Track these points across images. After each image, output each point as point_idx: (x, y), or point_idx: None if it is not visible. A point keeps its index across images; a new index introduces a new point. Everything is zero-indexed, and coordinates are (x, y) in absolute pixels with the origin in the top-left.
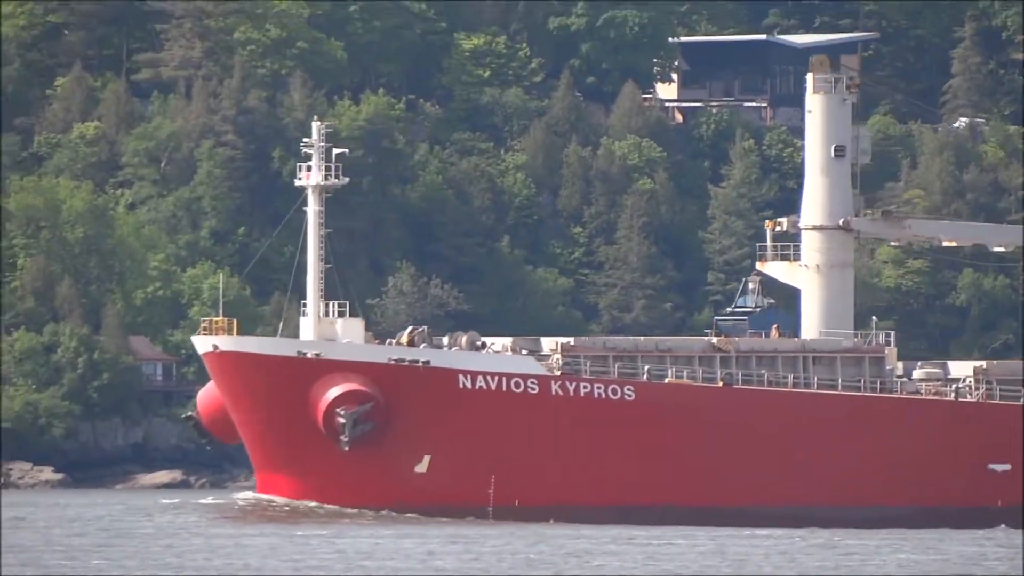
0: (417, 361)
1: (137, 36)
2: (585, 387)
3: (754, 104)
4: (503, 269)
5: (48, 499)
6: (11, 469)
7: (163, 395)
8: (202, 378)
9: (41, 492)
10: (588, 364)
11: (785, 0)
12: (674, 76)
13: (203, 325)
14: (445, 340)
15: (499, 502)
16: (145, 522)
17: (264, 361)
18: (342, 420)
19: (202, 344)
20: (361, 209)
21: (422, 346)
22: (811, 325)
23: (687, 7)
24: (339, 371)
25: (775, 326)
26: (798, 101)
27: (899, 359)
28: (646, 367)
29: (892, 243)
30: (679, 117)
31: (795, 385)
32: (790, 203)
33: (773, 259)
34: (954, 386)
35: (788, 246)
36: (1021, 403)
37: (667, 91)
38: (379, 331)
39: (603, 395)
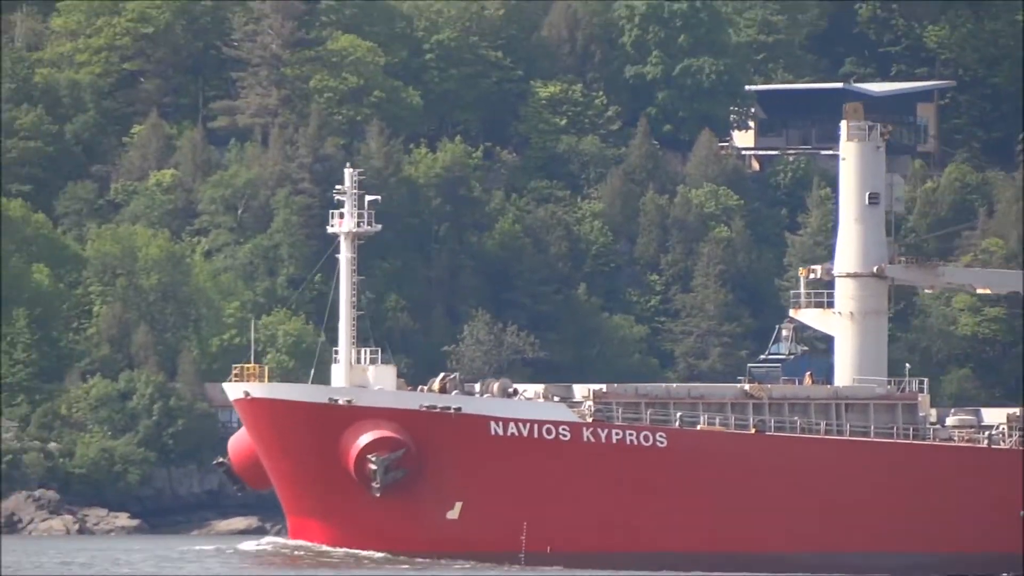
0: (449, 408)
1: (213, 84)
2: (617, 434)
3: (830, 152)
4: (579, 316)
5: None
6: (87, 515)
7: None
8: None
9: (115, 538)
10: (620, 411)
11: (862, 49)
12: (751, 124)
13: (235, 371)
14: (477, 387)
15: (531, 548)
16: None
17: (296, 408)
18: (373, 467)
19: (233, 391)
20: (438, 257)
21: (454, 393)
22: (844, 372)
23: (763, 55)
24: (370, 418)
25: (808, 373)
26: None
27: (939, 405)
28: (678, 414)
29: (927, 290)
30: (756, 165)
31: (828, 432)
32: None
33: (807, 306)
34: (987, 433)
35: (822, 293)
36: None
37: (744, 139)
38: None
39: (635, 442)
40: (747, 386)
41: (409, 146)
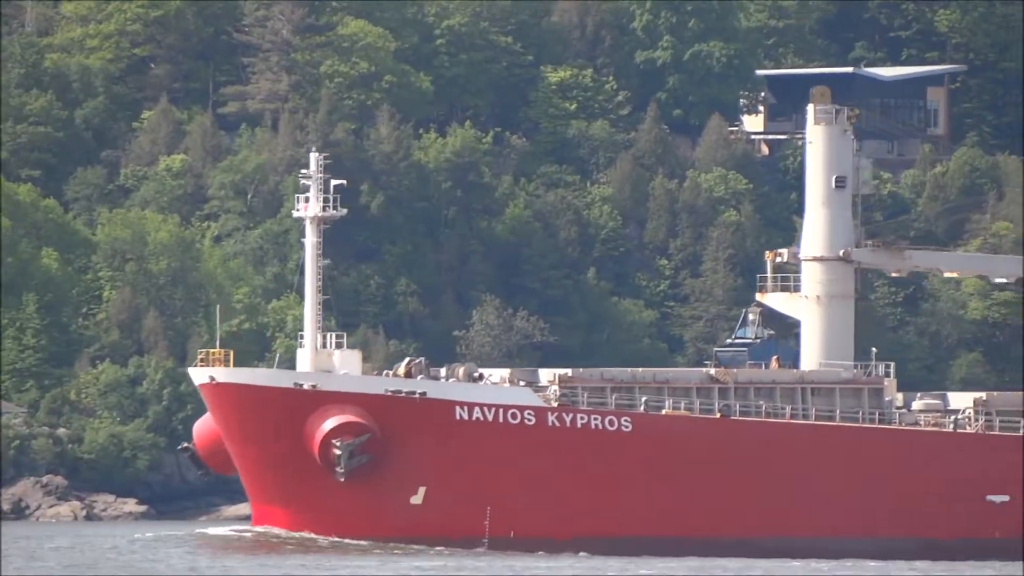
0: (414, 393)
1: (223, 69)
2: (582, 418)
3: None
4: (589, 301)
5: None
6: (95, 501)
7: None
8: None
9: (123, 524)
10: (585, 395)
11: (872, 33)
12: (760, 109)
13: (200, 356)
14: (443, 372)
15: (494, 533)
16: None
17: (260, 393)
18: (338, 452)
19: (198, 375)
20: (448, 242)
21: (419, 377)
22: (811, 356)
23: (773, 40)
24: (335, 403)
25: (775, 357)
26: (884, 134)
27: (898, 389)
28: (643, 398)
29: (893, 274)
30: (765, 149)
31: (793, 416)
32: (872, 236)
33: (773, 290)
34: (953, 417)
35: (788, 277)
36: (1020, 434)
37: (754, 123)
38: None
39: (600, 426)
40: (713, 370)
41: (419, 131)
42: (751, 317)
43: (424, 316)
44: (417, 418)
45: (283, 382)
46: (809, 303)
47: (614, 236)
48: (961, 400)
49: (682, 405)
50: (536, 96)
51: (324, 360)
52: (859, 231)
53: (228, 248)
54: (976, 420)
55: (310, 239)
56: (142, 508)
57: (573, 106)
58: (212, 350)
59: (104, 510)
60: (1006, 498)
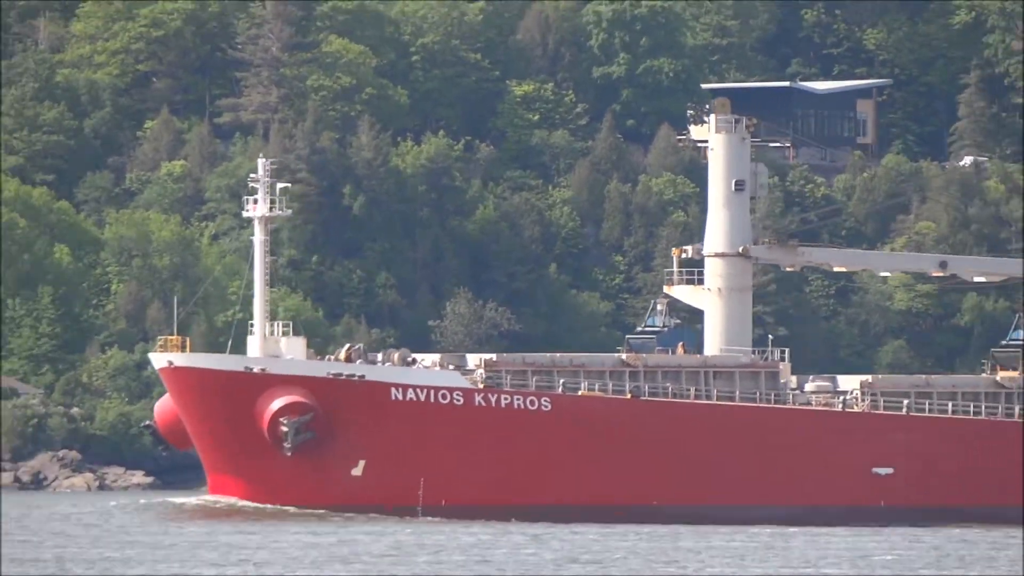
0: (353, 375)
1: (219, 83)
2: (506, 399)
3: (778, 144)
4: (551, 293)
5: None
6: (106, 473)
7: None
8: None
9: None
10: (509, 378)
11: (807, 51)
12: (707, 119)
13: (159, 343)
14: (379, 356)
15: (428, 502)
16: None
17: (215, 376)
18: (285, 429)
19: (158, 360)
20: (423, 239)
21: (358, 362)
22: (713, 343)
23: (718, 56)
24: (282, 384)
25: (681, 344)
26: (819, 143)
27: (792, 373)
28: (561, 380)
29: (787, 268)
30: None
31: (697, 397)
32: (810, 234)
33: (679, 283)
34: (842, 398)
35: (693, 271)
36: (903, 412)
37: (700, 132)
38: (440, 351)
39: (522, 406)
40: (624, 355)
41: (397, 139)
42: (659, 307)
43: (402, 307)
44: (356, 399)
45: (235, 366)
46: (711, 295)
47: (573, 235)
48: (849, 382)
49: (596, 387)
50: (503, 108)
51: (272, 346)
52: (756, 229)
53: (224, 246)
54: (863, 400)
55: (258, 237)
56: (149, 479)
57: (536, 117)
58: (170, 337)
59: (115, 481)
60: (890, 470)
